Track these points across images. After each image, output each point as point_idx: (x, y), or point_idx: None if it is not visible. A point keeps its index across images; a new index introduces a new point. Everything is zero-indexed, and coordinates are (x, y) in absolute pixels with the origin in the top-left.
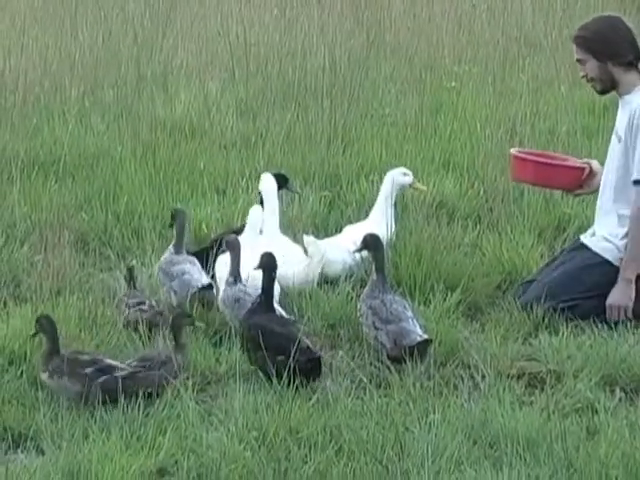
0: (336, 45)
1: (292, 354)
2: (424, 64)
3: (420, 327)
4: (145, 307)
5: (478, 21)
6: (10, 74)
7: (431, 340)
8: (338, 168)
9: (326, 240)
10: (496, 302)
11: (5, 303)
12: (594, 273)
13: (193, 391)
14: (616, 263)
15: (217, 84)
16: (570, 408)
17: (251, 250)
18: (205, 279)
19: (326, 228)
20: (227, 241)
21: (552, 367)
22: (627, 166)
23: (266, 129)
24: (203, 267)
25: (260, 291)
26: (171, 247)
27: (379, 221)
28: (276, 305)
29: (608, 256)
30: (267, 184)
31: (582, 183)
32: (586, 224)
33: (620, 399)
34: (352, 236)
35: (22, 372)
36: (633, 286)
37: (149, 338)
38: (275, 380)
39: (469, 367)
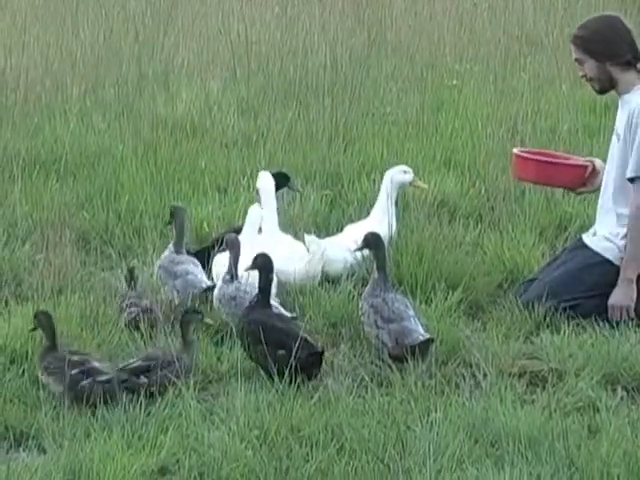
0: (337, 43)
1: (293, 348)
2: (425, 62)
3: (422, 326)
4: (134, 309)
5: (479, 19)
6: (11, 73)
7: (433, 339)
8: (339, 167)
9: (327, 239)
10: (497, 301)
11: (6, 302)
12: (595, 273)
13: (194, 390)
14: (617, 263)
15: (218, 82)
16: (572, 407)
17: (251, 248)
18: (207, 281)
19: (327, 227)
20: (227, 239)
21: (554, 366)
22: (626, 165)
23: (267, 128)
24: (204, 266)
25: (257, 291)
26: (171, 245)
27: (380, 220)
28: (276, 303)
29: (609, 255)
30: (264, 182)
31: (585, 181)
32: (587, 223)
33: (622, 398)
34: (353, 235)
35: (24, 371)
36: (634, 286)
37: (151, 337)
38: (277, 378)
39: (470, 366)
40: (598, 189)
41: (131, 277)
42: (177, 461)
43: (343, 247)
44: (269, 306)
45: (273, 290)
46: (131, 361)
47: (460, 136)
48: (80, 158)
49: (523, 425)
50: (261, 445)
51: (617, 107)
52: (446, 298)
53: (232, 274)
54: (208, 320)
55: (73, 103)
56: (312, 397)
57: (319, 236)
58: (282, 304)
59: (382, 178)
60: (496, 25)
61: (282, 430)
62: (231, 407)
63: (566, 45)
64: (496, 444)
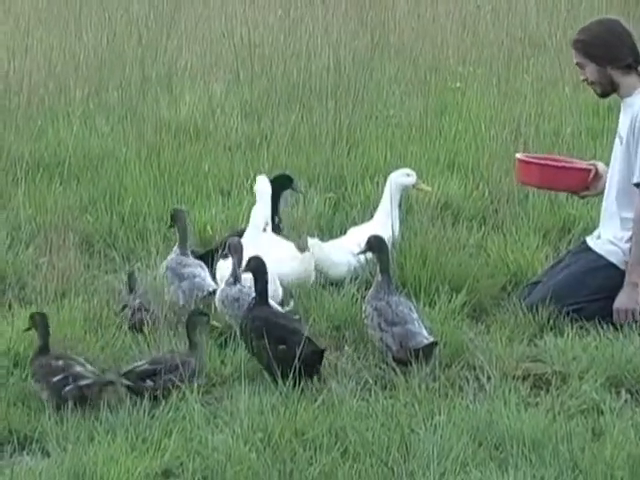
0: (340, 46)
1: (296, 345)
2: (428, 65)
3: (425, 329)
4: (127, 310)
5: (482, 22)
6: (14, 75)
7: (437, 343)
8: (343, 169)
9: (331, 242)
10: (501, 303)
11: (10, 305)
12: (599, 276)
13: (198, 393)
14: (621, 266)
15: (221, 85)
16: (575, 409)
17: (254, 249)
18: (214, 285)
19: (331, 230)
20: (229, 244)
21: (557, 368)
22: (630, 169)
23: (271, 130)
24: (209, 269)
25: (254, 294)
26: (176, 248)
27: (384, 222)
28: (276, 306)
29: (613, 259)
30: (261, 185)
31: (588, 185)
32: (591, 225)
33: (626, 400)
34: (357, 238)
35: (27, 374)
36: (639, 289)
37: (154, 340)
38: (280, 381)
39: (474, 368)
40: (601, 192)
41: (130, 281)
42: (181, 464)
43: (346, 250)
44: (269, 306)
45: (279, 296)
46: (137, 364)
47: (463, 139)
48: (83, 161)
49: (527, 428)
50: (265, 448)
51: (620, 109)
52: (450, 301)
53: (235, 277)
54: (214, 322)
55: (76, 106)
56: (316, 400)
57: (322, 239)
58: (294, 312)
59: (386, 181)
60: (499, 27)
61: (286, 433)
62: (235, 410)
63: (569, 47)
64: (500, 447)
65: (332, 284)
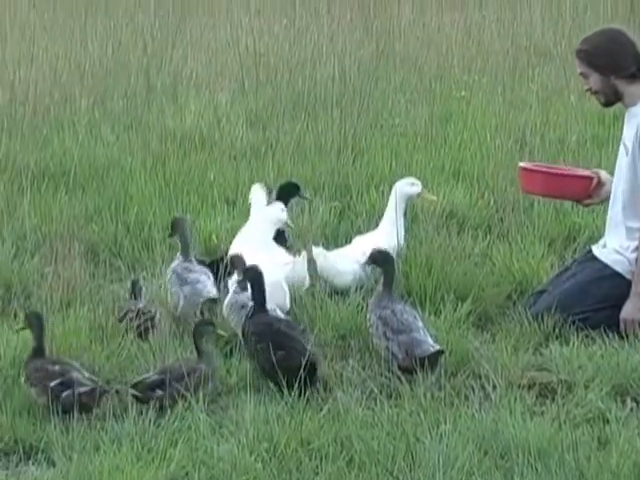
0: (346, 55)
1: (293, 351)
2: (434, 74)
3: (431, 337)
4: (130, 314)
5: (487, 31)
6: (20, 85)
7: (443, 351)
8: (348, 178)
9: (336, 251)
10: (507, 312)
11: (16, 315)
12: (604, 285)
13: (204, 403)
14: (627, 275)
15: (227, 94)
16: (581, 418)
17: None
18: (215, 292)
19: (336, 239)
20: (231, 259)
21: (563, 377)
22: (635, 179)
23: (276, 139)
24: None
25: (252, 303)
26: (179, 255)
27: (389, 231)
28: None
29: (619, 268)
30: (256, 195)
31: (591, 193)
32: (596, 234)
33: (631, 409)
34: (362, 247)
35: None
36: None
37: (160, 349)
38: (286, 391)
39: (480, 377)
40: (605, 200)
41: (133, 290)
42: (186, 474)
43: (352, 259)
44: (267, 313)
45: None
46: (146, 376)
47: (469, 147)
48: (89, 170)
49: (533, 437)
50: (270, 458)
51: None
52: (455, 309)
53: (243, 286)
54: (221, 332)
55: (82, 115)
56: (321, 409)
57: (327, 248)
58: (299, 322)
59: (391, 190)
60: (504, 36)
61: (292, 443)
62: (240, 420)
63: (574, 56)
64: (506, 456)
65: (337, 293)
